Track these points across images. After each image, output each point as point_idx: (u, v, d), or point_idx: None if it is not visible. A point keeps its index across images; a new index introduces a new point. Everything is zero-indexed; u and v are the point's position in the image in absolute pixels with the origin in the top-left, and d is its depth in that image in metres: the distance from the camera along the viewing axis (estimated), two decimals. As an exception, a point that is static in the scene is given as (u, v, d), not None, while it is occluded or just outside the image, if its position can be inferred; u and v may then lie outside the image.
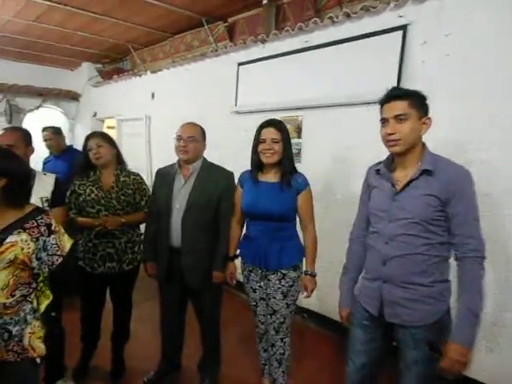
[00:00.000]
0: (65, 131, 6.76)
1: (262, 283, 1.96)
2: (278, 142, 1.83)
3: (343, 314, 1.66)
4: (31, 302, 1.39)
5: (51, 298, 1.47)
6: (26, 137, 1.99)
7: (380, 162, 1.56)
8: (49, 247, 1.37)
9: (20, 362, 1.35)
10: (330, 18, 2.76)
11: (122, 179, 2.18)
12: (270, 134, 1.83)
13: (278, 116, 2.71)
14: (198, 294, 2.11)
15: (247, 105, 3.48)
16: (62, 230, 1.46)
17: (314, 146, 3.00)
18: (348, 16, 2.67)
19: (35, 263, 1.35)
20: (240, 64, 3.53)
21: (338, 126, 2.83)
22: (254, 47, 3.43)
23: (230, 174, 2.11)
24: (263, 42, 3.33)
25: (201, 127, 2.09)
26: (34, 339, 1.38)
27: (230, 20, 4.02)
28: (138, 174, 2.31)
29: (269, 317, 1.93)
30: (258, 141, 1.88)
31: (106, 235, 2.10)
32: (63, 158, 3.49)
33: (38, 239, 1.34)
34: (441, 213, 1.34)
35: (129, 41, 5.03)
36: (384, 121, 1.42)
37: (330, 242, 2.37)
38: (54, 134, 3.55)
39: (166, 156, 2.10)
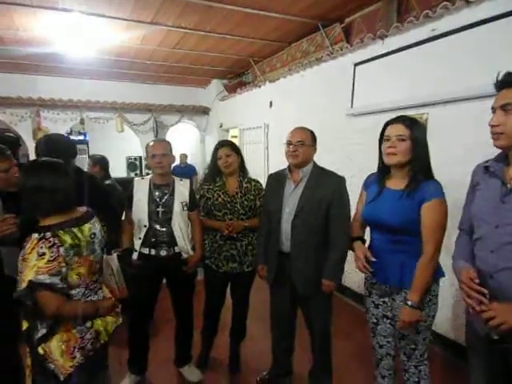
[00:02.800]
0: (196, 142, 7.69)
1: (386, 299, 1.75)
2: (405, 140, 1.54)
3: (465, 276, 1.28)
4: None
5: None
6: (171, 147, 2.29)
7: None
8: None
9: None
10: (464, -2, 2.41)
11: (244, 185, 2.33)
12: (396, 130, 1.57)
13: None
14: (306, 301, 2.08)
15: (364, 106, 3.32)
16: (33, 263, 1.26)
17: (443, 148, 2.63)
18: (486, -7, 2.29)
19: None
20: (356, 64, 3.39)
21: (476, 122, 2.42)
22: (372, 45, 3.25)
23: (341, 179, 2.02)
24: (382, 37, 3.13)
25: (311, 131, 2.07)
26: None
27: (347, 20, 3.91)
28: (258, 181, 2.43)
29: (398, 341, 1.72)
30: (382, 138, 1.65)
31: (230, 237, 2.26)
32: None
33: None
34: None
35: (249, 55, 5.38)
36: (492, 110, 1.23)
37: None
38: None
39: (282, 162, 2.13)
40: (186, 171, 6.37)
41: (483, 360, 1.34)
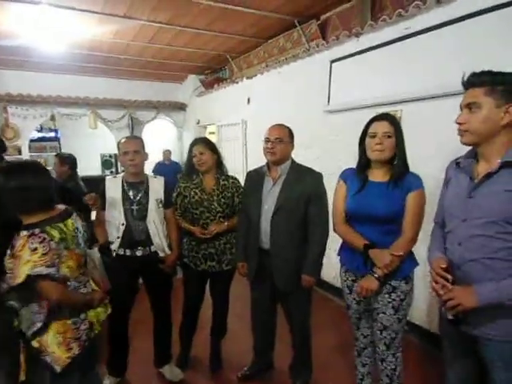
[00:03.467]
0: (173, 139, 7.58)
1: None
2: (391, 137, 1.62)
3: (436, 265, 1.37)
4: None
5: None
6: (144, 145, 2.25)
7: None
8: (6, 268, 1.34)
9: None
10: (435, -2, 2.47)
11: (221, 183, 2.31)
12: (383, 127, 1.63)
13: (373, 112, 2.53)
14: (286, 296, 2.11)
15: (340, 103, 3.36)
16: (26, 259, 1.29)
17: (416, 144, 2.70)
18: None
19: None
20: (332, 61, 3.42)
21: (448, 119, 2.49)
22: (348, 42, 3.29)
23: (319, 176, 2.05)
24: (357, 35, 3.17)
25: (289, 128, 2.08)
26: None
27: (323, 17, 3.94)
28: (236, 178, 2.42)
29: (378, 332, 1.76)
30: (365, 135, 1.69)
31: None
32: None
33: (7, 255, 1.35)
34: None
35: (226, 51, 5.34)
36: (460, 108, 1.29)
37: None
38: None
39: (261, 159, 2.13)
40: (171, 168, 6.15)
41: (456, 347, 1.41)
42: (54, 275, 1.35)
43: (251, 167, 2.33)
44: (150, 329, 2.42)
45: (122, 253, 2.15)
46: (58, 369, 1.40)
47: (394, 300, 1.68)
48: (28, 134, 6.11)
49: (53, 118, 6.25)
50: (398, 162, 1.65)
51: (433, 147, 2.59)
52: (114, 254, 2.14)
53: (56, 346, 1.40)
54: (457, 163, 1.39)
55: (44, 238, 1.33)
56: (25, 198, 1.37)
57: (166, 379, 2.38)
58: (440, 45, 2.52)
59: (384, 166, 1.69)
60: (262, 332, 2.31)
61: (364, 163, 1.74)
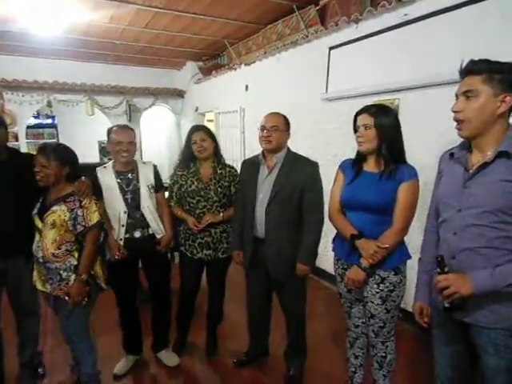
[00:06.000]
0: (172, 126, 7.52)
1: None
2: (370, 128, 1.63)
3: (416, 309, 1.50)
4: (74, 257, 1.85)
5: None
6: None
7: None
8: (77, 217, 1.80)
9: (65, 299, 1.81)
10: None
11: (218, 171, 2.31)
12: (362, 119, 1.66)
13: (371, 101, 2.52)
14: (281, 285, 2.12)
15: (339, 91, 3.33)
16: (94, 208, 1.86)
17: (414, 133, 2.69)
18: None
19: (71, 228, 1.81)
20: (331, 48, 3.38)
21: (447, 108, 2.47)
22: (347, 29, 3.24)
23: (315, 164, 2.05)
24: (356, 21, 3.12)
25: (284, 116, 2.07)
26: None
27: (322, 3, 3.86)
28: (233, 167, 2.41)
29: (367, 320, 1.79)
30: (354, 129, 1.75)
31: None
32: None
33: (72, 210, 1.80)
34: None
35: (225, 36, 5.24)
36: (456, 97, 1.28)
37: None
38: None
39: (259, 146, 2.12)
40: None
41: (446, 334, 1.43)
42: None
43: (249, 155, 2.33)
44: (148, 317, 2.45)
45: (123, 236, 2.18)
46: (103, 285, 1.97)
47: (381, 290, 1.70)
48: (25, 120, 6.06)
49: (49, 104, 6.17)
50: (384, 152, 1.65)
51: (432, 137, 2.58)
52: (122, 242, 2.16)
53: (101, 272, 1.97)
54: (450, 154, 1.38)
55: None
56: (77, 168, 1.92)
57: (162, 364, 2.42)
58: (439, 32, 2.48)
59: (372, 156, 1.70)
60: (258, 319, 2.34)
61: (360, 154, 1.75)
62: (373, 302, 1.72)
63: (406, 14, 2.69)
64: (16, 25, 4.32)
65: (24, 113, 5.92)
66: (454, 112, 1.26)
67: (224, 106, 5.57)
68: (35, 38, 4.73)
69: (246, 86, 4.93)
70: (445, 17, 2.45)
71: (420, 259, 1.54)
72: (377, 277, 1.69)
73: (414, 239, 1.74)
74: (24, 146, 5.95)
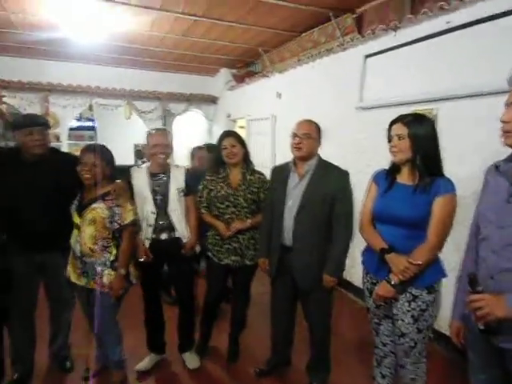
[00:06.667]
0: (203, 131, 7.66)
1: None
2: (404, 139, 1.56)
3: (453, 329, 1.41)
4: (110, 253, 1.95)
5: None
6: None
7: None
8: (115, 215, 1.91)
9: (100, 293, 1.92)
10: (480, -10, 2.33)
11: (248, 178, 2.31)
12: (396, 129, 1.61)
13: (408, 110, 2.44)
14: (306, 295, 2.08)
15: (374, 99, 3.26)
16: (129, 207, 1.98)
17: (452, 144, 2.57)
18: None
19: (108, 225, 1.92)
20: (367, 56, 3.32)
21: (487, 119, 2.34)
22: (384, 37, 3.17)
23: (346, 174, 2.00)
24: (395, 29, 3.05)
25: (316, 124, 2.04)
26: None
27: (359, 11, 3.81)
28: (262, 173, 2.41)
29: (396, 338, 1.70)
30: (388, 139, 1.69)
31: None
32: None
33: (110, 208, 1.91)
34: None
35: (259, 44, 5.29)
36: (505, 106, 1.20)
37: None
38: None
39: (290, 154, 2.11)
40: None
41: (482, 358, 1.33)
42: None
43: (279, 162, 2.31)
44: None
45: (150, 237, 2.22)
46: (134, 280, 2.10)
47: (413, 309, 1.60)
48: (67, 122, 6.38)
49: (91, 108, 6.48)
50: (418, 163, 1.57)
51: (470, 148, 2.46)
52: (148, 244, 2.20)
53: (134, 269, 2.09)
54: (496, 167, 1.30)
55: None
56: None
57: (184, 365, 2.44)
58: (482, 41, 2.37)
59: (407, 167, 1.63)
60: (281, 328, 2.30)
61: (394, 165, 1.69)
62: (403, 321, 1.64)
63: (448, 22, 2.59)
64: (62, 32, 4.56)
65: (67, 115, 6.23)
66: (503, 122, 1.19)
67: (256, 113, 5.60)
68: (80, 44, 4.98)
69: (279, 94, 4.93)
70: (489, 25, 2.34)
71: (459, 277, 1.45)
72: (408, 294, 1.61)
73: (449, 256, 1.65)
74: (65, 146, 6.26)
